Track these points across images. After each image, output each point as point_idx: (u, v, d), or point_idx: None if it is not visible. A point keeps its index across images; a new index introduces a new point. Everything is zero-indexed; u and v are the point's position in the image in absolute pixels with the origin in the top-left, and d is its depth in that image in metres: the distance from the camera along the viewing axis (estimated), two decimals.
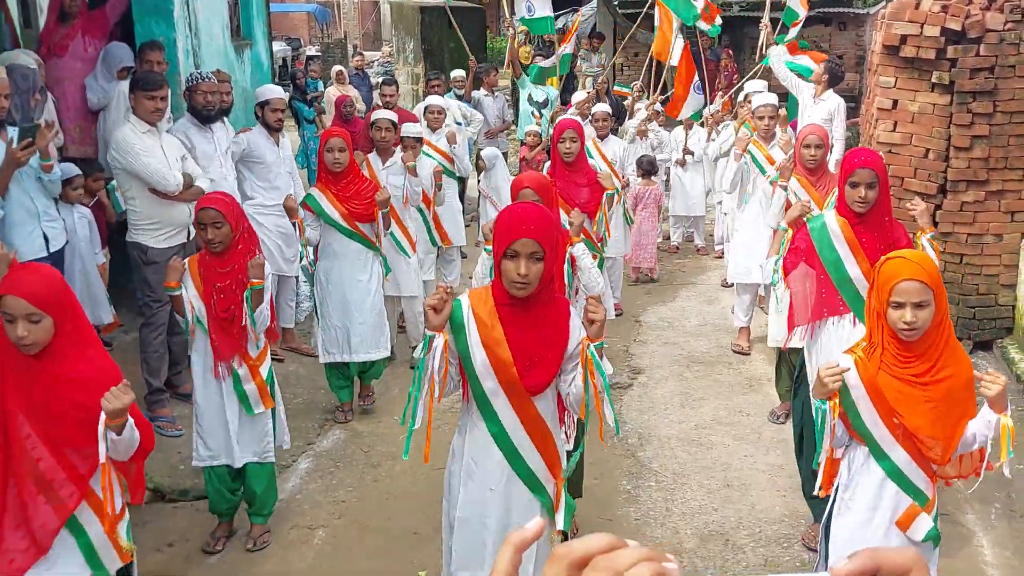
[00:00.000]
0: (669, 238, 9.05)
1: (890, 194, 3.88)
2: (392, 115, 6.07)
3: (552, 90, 9.53)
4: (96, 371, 2.73)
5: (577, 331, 2.78)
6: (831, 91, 7.10)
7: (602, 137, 6.91)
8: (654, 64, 9.54)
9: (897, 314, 2.65)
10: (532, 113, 9.03)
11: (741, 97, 7.57)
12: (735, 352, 6.34)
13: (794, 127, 7.55)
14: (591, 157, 6.37)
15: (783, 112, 6.29)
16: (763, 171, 5.84)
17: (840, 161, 4.11)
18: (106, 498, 2.77)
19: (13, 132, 4.46)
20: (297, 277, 6.59)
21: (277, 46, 15.04)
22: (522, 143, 8.72)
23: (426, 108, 7.21)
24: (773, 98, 6.13)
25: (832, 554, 2.96)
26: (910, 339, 2.67)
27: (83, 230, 5.26)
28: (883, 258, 2.80)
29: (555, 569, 0.55)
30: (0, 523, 2.71)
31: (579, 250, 3.86)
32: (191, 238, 5.07)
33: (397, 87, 8.17)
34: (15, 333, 2.58)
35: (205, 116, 5.45)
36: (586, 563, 0.55)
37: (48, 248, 4.63)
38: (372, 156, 5.91)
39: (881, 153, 6.17)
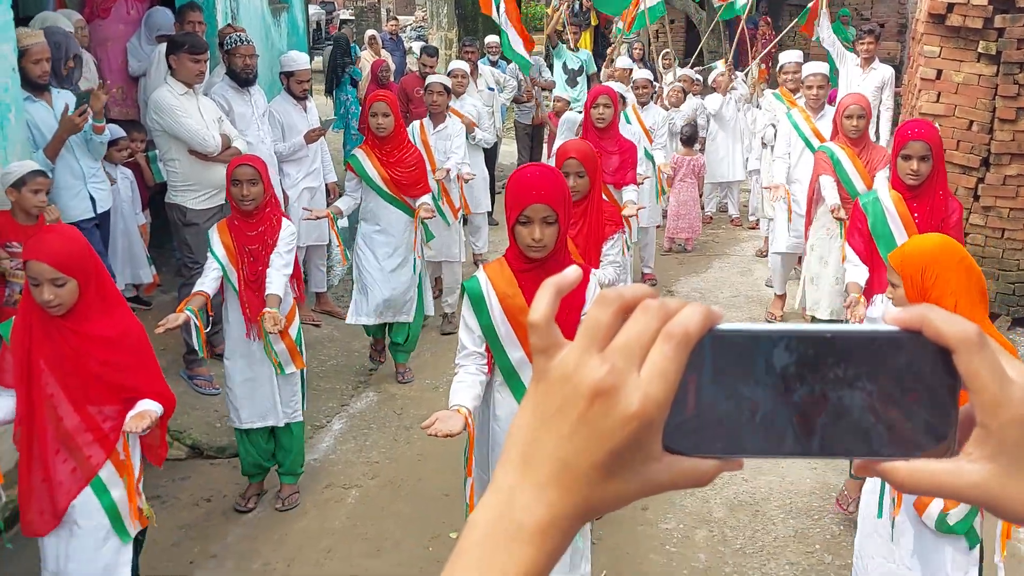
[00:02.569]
0: (703, 208, 8.97)
1: (944, 166, 3.80)
2: (446, 80, 6.06)
3: (586, 53, 9.44)
4: (121, 329, 2.80)
5: (594, 294, 2.79)
6: (878, 60, 6.97)
7: (643, 104, 6.85)
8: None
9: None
10: (567, 81, 8.96)
11: (778, 68, 7.45)
12: (769, 322, 6.30)
13: (833, 97, 7.43)
14: (629, 123, 6.33)
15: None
16: (808, 144, 5.75)
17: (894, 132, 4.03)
18: (128, 463, 2.86)
19: (66, 97, 4.52)
20: (328, 243, 6.64)
21: (312, 9, 15.00)
22: (554, 110, 8.67)
23: (449, 72, 7.11)
24: (824, 67, 6.02)
25: (858, 545, 2.89)
26: None
27: (126, 191, 5.36)
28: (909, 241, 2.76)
29: (602, 310, 0.52)
30: (27, 480, 2.80)
31: (608, 245, 3.86)
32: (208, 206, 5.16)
33: (438, 57, 8.13)
34: (42, 297, 2.64)
35: (244, 79, 5.47)
36: (633, 308, 0.52)
37: (95, 209, 4.71)
38: (425, 121, 5.92)
39: None
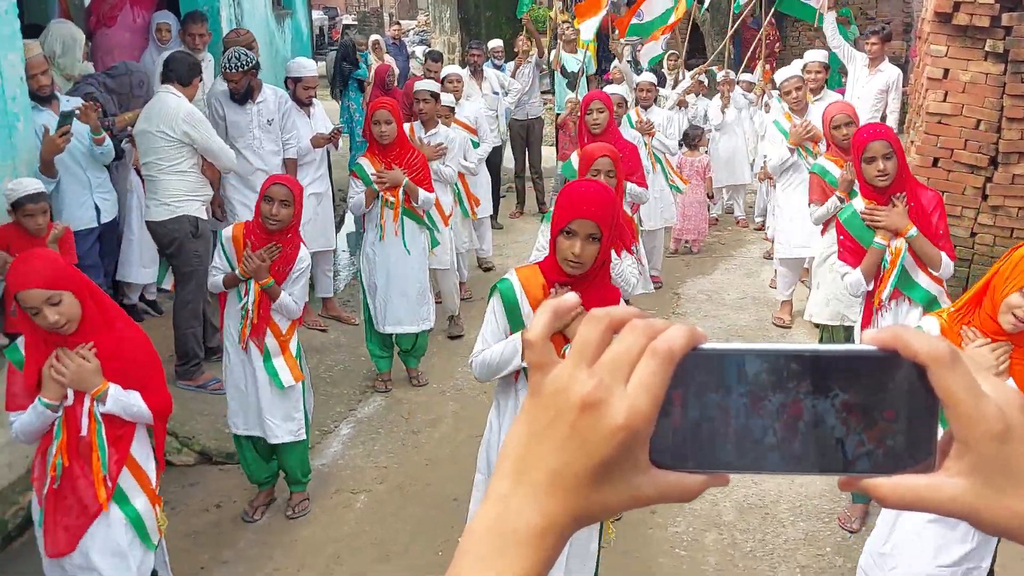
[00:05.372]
0: (710, 209, 8.97)
1: (906, 161, 3.79)
2: (434, 85, 6.06)
3: (585, 53, 9.42)
4: (124, 337, 2.79)
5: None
6: (887, 61, 6.96)
7: (645, 107, 6.86)
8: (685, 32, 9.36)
9: (1020, 301, 2.46)
10: (567, 84, 8.96)
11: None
12: (776, 326, 6.29)
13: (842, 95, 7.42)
14: (632, 126, 6.33)
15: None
16: (796, 147, 5.77)
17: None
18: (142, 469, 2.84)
19: (74, 104, 4.52)
20: (335, 248, 6.64)
21: (314, 15, 15.05)
22: (558, 113, 8.67)
23: (444, 78, 7.06)
24: (797, 70, 6.05)
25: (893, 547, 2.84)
26: (1013, 330, 2.48)
27: (140, 191, 5.38)
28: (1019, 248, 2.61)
29: (591, 328, 0.55)
30: (53, 497, 2.79)
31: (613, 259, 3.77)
32: (209, 216, 5.17)
33: (442, 62, 8.14)
34: (47, 321, 2.60)
35: (236, 98, 5.49)
36: (621, 327, 0.55)
37: (99, 219, 4.71)
38: (416, 125, 5.92)
39: (931, 123, 6.05)
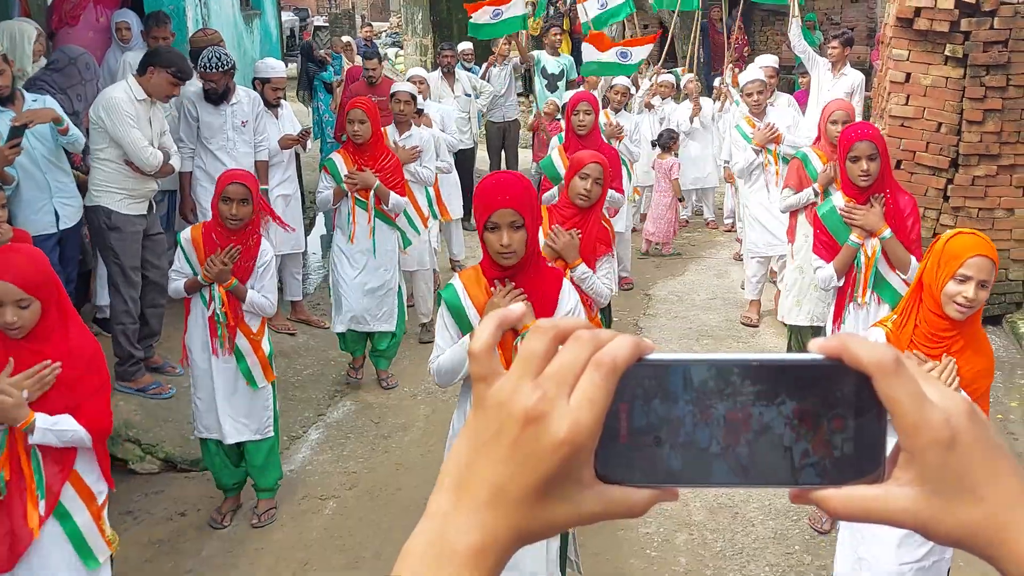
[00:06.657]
0: (679, 212, 9.02)
1: (890, 164, 3.85)
2: (412, 87, 6.02)
3: (568, 59, 9.45)
4: (75, 344, 2.69)
5: (567, 298, 2.79)
6: (849, 66, 7.06)
7: (616, 111, 6.88)
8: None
9: (958, 288, 2.55)
10: (546, 86, 8.96)
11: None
12: (744, 324, 6.34)
13: (799, 98, 7.53)
14: (602, 130, 6.35)
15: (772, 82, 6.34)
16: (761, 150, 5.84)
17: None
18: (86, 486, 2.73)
19: (40, 104, 4.41)
20: (304, 251, 6.59)
21: (285, 16, 14.91)
22: (543, 113, 8.66)
23: (407, 80, 7.08)
24: (760, 73, 6.11)
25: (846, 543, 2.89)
26: (961, 317, 2.58)
27: None
28: (950, 232, 2.73)
29: (537, 339, 0.53)
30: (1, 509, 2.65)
31: (580, 273, 3.60)
32: (152, 210, 4.98)
33: (380, 60, 8.06)
34: (3, 319, 2.50)
35: (213, 98, 5.41)
36: (567, 338, 0.53)
37: (59, 225, 4.58)
38: (390, 128, 5.89)
39: (893, 126, 6.14)
